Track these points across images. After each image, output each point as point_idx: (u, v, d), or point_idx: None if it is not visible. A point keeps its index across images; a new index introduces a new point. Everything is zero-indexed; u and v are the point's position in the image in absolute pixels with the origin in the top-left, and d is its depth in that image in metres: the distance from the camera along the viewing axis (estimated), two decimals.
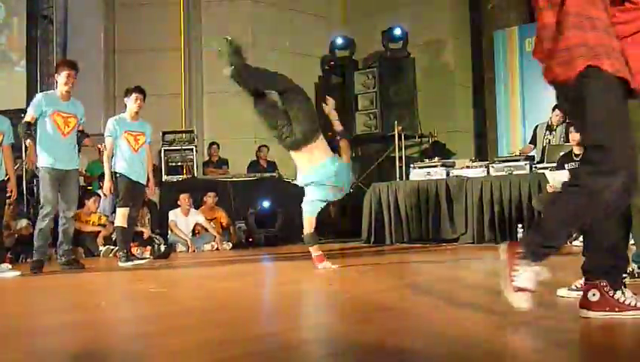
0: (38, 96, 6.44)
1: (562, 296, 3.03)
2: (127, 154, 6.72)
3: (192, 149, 10.94)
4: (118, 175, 6.69)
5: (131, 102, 6.85)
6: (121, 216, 6.68)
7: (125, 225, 6.64)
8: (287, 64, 12.40)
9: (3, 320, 3.38)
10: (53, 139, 6.25)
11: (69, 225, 6.41)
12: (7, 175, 6.22)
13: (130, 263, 6.45)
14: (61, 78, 6.35)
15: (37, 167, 6.29)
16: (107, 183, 6.74)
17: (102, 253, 8.49)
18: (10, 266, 6.11)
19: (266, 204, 9.99)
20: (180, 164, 10.92)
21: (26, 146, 6.65)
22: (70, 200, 6.36)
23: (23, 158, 10.57)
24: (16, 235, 7.98)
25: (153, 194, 6.39)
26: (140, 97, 6.87)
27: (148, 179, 6.96)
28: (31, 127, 6.25)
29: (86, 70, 11.40)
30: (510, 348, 2.25)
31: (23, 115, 10.57)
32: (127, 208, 6.67)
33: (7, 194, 6.31)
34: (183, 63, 11.91)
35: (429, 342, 2.39)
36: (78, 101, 6.60)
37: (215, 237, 9.27)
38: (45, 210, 6.17)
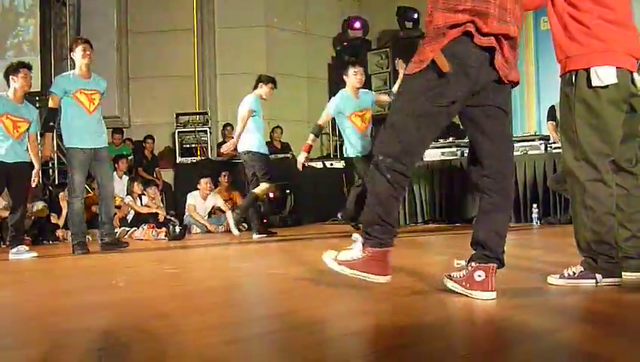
0: (57, 78, 6.44)
1: (554, 284, 2.97)
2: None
3: (205, 131, 10.98)
4: None
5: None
6: None
7: None
8: (301, 44, 12.38)
9: (23, 301, 3.42)
10: (79, 119, 6.20)
11: (108, 205, 6.44)
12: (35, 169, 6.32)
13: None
14: (78, 53, 6.30)
15: (51, 158, 6.30)
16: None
17: (117, 234, 8.55)
18: (27, 248, 6.19)
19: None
20: (194, 145, 10.97)
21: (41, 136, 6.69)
22: (106, 179, 6.37)
23: (38, 141, 10.69)
24: (33, 218, 8.04)
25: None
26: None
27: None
28: (56, 116, 6.28)
29: (99, 52, 11.41)
30: (525, 326, 2.25)
31: (37, 99, 10.75)
32: None
33: (33, 183, 6.41)
34: (196, 44, 11.89)
35: (441, 320, 2.40)
36: (99, 76, 6.55)
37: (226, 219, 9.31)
38: (74, 192, 6.21)
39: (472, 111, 2.69)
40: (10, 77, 6.16)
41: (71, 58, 6.46)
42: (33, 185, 6.49)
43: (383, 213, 2.64)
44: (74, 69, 6.42)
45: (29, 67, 6.26)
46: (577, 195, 2.91)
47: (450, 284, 2.70)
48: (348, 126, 6.97)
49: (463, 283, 2.64)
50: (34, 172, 6.35)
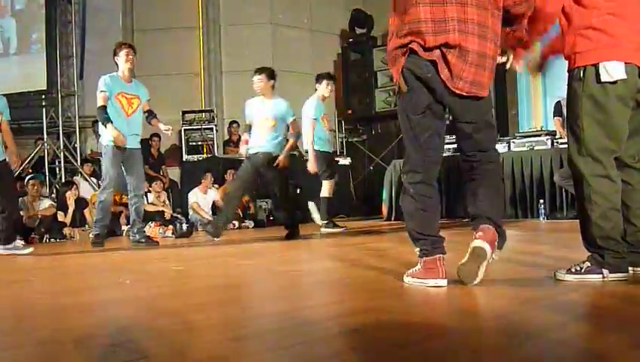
0: (103, 78, 6.50)
1: (561, 280, 2.96)
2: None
3: (212, 128, 10.98)
4: None
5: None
6: None
7: None
8: (306, 41, 12.38)
9: (32, 299, 3.44)
10: (117, 120, 6.38)
11: (139, 203, 6.65)
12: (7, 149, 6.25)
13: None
14: (121, 57, 6.49)
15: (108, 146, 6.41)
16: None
17: (124, 232, 8.58)
18: (23, 243, 6.19)
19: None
20: (200, 143, 10.97)
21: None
22: (138, 179, 6.64)
23: (44, 140, 10.75)
24: (39, 216, 8.07)
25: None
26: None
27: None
28: (106, 111, 6.38)
29: (105, 50, 11.44)
30: (533, 321, 2.24)
31: (43, 97, 10.78)
32: None
33: (14, 168, 6.41)
34: (202, 42, 11.90)
35: (451, 316, 2.40)
36: (140, 82, 6.76)
37: None
38: (105, 182, 6.45)
39: (452, 121, 3.09)
40: None
41: (114, 61, 6.60)
42: (14, 166, 6.45)
43: (417, 227, 2.95)
44: (117, 71, 6.58)
45: None
46: (582, 191, 2.91)
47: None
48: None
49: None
50: (11, 155, 6.25)
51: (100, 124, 6.59)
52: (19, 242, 6.12)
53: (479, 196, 2.98)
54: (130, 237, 6.75)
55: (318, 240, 6.71)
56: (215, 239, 6.67)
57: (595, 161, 2.86)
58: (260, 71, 6.81)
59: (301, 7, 12.39)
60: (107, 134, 6.38)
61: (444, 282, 2.87)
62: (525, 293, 2.70)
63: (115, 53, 6.56)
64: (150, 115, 6.76)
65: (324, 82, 7.89)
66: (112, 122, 6.30)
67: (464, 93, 2.85)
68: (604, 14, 2.85)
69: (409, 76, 2.90)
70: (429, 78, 2.86)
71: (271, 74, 6.76)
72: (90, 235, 6.34)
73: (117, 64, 6.56)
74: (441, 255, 2.92)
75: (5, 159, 6.20)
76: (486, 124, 3.01)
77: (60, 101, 11.13)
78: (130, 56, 6.50)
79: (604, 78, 2.82)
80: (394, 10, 3.03)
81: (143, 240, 6.63)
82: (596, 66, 2.85)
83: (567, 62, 3.03)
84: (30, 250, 6.08)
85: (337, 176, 7.95)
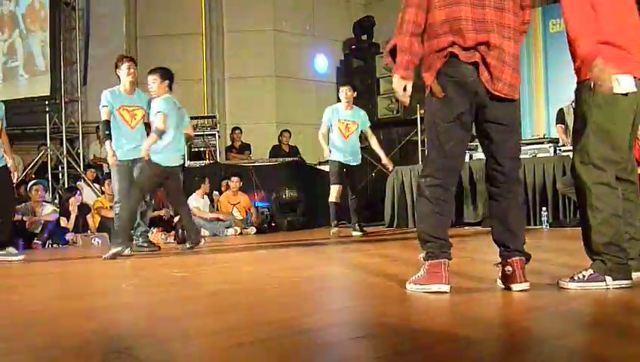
0: (104, 93, 6.50)
1: (565, 288, 2.94)
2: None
3: (214, 134, 10.99)
4: None
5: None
6: None
7: None
8: (309, 48, 12.40)
9: (35, 305, 3.43)
10: (121, 133, 6.41)
11: (146, 209, 6.67)
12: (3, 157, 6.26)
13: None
14: (123, 71, 6.48)
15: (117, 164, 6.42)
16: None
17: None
18: (16, 250, 6.19)
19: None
20: (202, 149, 10.98)
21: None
22: None
23: (48, 146, 10.77)
24: (42, 221, 8.08)
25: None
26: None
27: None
28: (109, 126, 6.41)
29: (108, 57, 11.46)
30: (536, 329, 2.24)
31: (47, 103, 10.80)
32: None
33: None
34: (205, 48, 11.93)
35: (455, 323, 2.39)
36: (143, 93, 6.72)
37: (233, 222, 9.35)
38: (117, 197, 6.40)
39: (479, 126, 2.97)
40: None
41: (116, 74, 6.60)
42: (14, 179, 6.48)
43: (429, 229, 2.91)
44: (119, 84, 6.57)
45: None
46: (584, 198, 2.93)
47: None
48: None
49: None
50: (10, 166, 6.29)
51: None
52: (12, 249, 6.10)
53: (510, 225, 2.94)
54: (134, 242, 6.67)
55: (320, 246, 6.69)
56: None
57: (598, 168, 2.88)
58: (152, 71, 6.54)
59: (304, 14, 12.42)
60: (114, 147, 6.39)
61: (446, 288, 2.85)
62: (529, 301, 2.70)
63: (117, 66, 6.55)
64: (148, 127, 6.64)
65: (343, 88, 8.20)
66: (111, 139, 6.34)
67: (502, 95, 2.83)
68: (617, 28, 2.87)
69: (447, 82, 2.86)
70: (469, 83, 2.82)
71: (165, 73, 6.49)
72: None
73: (119, 77, 6.55)
74: (447, 260, 2.90)
75: (5, 165, 6.22)
76: (517, 129, 3.00)
77: (64, 107, 11.15)
78: (132, 70, 6.49)
79: (616, 89, 2.83)
80: (416, 7, 2.86)
81: (145, 245, 6.62)
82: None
83: (575, 72, 3.02)
84: (21, 257, 6.08)
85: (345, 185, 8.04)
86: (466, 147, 3.06)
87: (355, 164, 8.03)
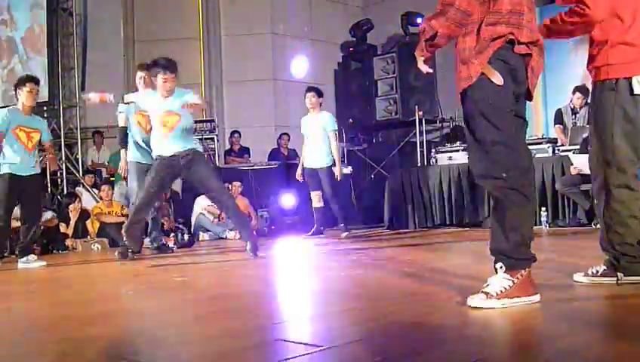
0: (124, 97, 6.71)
1: (578, 281, 3.06)
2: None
3: (213, 138, 10.99)
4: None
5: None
6: None
7: None
8: (307, 50, 12.40)
9: (35, 311, 3.43)
10: (137, 137, 6.73)
11: (157, 214, 6.94)
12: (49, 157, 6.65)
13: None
14: (159, 80, 6.55)
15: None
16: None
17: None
18: (35, 257, 6.26)
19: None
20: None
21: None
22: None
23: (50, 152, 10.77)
24: (42, 227, 8.07)
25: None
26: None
27: None
28: (125, 133, 6.78)
29: (106, 62, 11.48)
30: (541, 330, 2.24)
31: (45, 108, 10.80)
32: None
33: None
34: (203, 52, 11.93)
35: (460, 324, 2.39)
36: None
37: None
38: (132, 199, 6.66)
39: None
40: (18, 90, 6.38)
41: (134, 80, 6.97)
42: (52, 167, 6.95)
43: (528, 231, 2.65)
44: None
45: (35, 81, 6.47)
46: (604, 198, 3.01)
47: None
48: None
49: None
50: (51, 163, 6.74)
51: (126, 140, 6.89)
52: (32, 256, 6.22)
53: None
54: (148, 246, 7.02)
55: (321, 248, 6.69)
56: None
57: (620, 171, 2.97)
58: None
59: (301, 17, 12.42)
60: (130, 152, 6.77)
61: (539, 296, 2.62)
62: (530, 302, 2.69)
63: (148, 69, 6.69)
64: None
65: (306, 94, 8.22)
66: (126, 148, 6.76)
67: (532, 92, 2.78)
68: (638, 30, 2.93)
69: (502, 67, 2.64)
70: (517, 71, 2.68)
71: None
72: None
73: (137, 83, 6.87)
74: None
75: (36, 173, 6.42)
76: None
77: (62, 112, 11.16)
78: (148, 80, 6.68)
79: (637, 90, 2.91)
80: None
81: (158, 250, 6.94)
82: (629, 80, 2.93)
83: (592, 72, 3.08)
84: (43, 263, 6.15)
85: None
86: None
87: (320, 166, 7.97)
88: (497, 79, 2.61)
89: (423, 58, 2.86)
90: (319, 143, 8.02)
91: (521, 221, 2.62)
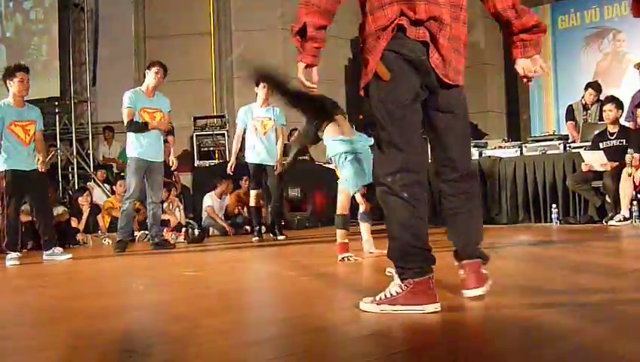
0: (127, 93, 6.81)
1: None
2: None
3: (223, 134, 11.00)
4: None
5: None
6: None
7: None
8: None
9: (46, 304, 3.46)
10: (140, 134, 6.71)
11: (157, 210, 6.93)
12: (39, 159, 6.25)
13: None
14: (150, 74, 6.84)
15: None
16: None
17: (137, 237, 8.60)
18: (61, 249, 6.31)
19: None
20: (211, 148, 11.00)
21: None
22: (156, 188, 6.88)
23: (58, 146, 10.83)
24: (54, 222, 8.11)
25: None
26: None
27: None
28: (133, 123, 6.74)
29: (117, 57, 11.51)
30: (547, 327, 2.23)
31: (56, 103, 10.87)
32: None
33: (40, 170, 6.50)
34: (213, 48, 11.94)
35: (461, 322, 2.39)
36: (164, 96, 7.03)
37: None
38: (128, 193, 6.76)
39: (426, 114, 2.58)
40: (8, 81, 6.15)
41: (143, 76, 7.02)
42: (41, 168, 6.37)
43: (412, 239, 2.44)
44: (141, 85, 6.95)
45: (25, 70, 6.26)
46: None
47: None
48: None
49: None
50: (40, 160, 6.26)
51: (128, 135, 6.88)
52: (57, 249, 6.25)
53: (462, 226, 2.64)
54: (150, 241, 6.98)
55: (327, 245, 6.69)
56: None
57: None
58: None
59: None
60: (132, 147, 6.73)
61: (437, 307, 2.41)
62: (539, 298, 2.69)
63: (148, 68, 6.94)
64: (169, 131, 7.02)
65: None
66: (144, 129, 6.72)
67: (450, 82, 2.49)
68: None
69: (394, 59, 2.45)
70: (420, 60, 2.44)
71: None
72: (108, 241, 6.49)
73: (145, 76, 6.91)
74: (432, 274, 2.46)
75: (38, 169, 6.25)
76: (465, 116, 2.66)
77: (73, 108, 11.21)
78: (159, 75, 6.82)
79: None
80: None
81: (163, 243, 6.90)
82: None
83: None
84: (69, 256, 6.20)
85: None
86: (421, 135, 2.57)
87: (273, 163, 7.59)
88: (385, 76, 2.46)
89: (303, 64, 2.63)
90: (272, 137, 7.64)
91: (403, 229, 2.45)
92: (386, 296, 2.47)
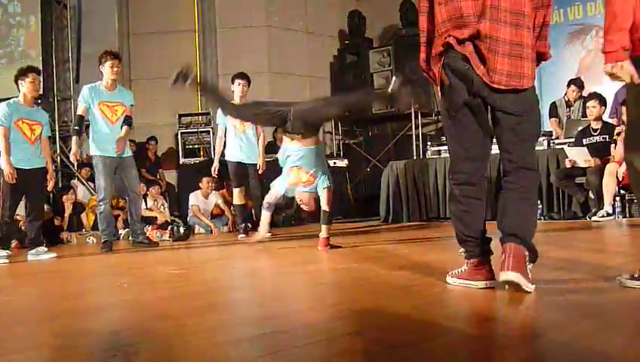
0: (84, 88, 6.70)
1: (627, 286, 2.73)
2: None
3: (208, 131, 10.96)
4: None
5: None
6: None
7: None
8: (302, 44, 12.37)
9: (33, 304, 3.43)
10: (102, 129, 6.57)
11: (137, 207, 6.84)
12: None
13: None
14: (106, 68, 6.62)
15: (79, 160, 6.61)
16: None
17: (122, 235, 8.57)
18: (45, 249, 6.29)
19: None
20: (196, 146, 10.96)
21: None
22: (131, 184, 6.75)
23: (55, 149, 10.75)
24: None
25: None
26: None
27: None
28: (82, 121, 6.61)
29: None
30: (533, 323, 2.25)
31: (40, 101, 10.77)
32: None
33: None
34: (198, 45, 11.89)
35: (452, 317, 2.40)
36: (126, 89, 6.94)
37: (228, 219, 9.34)
38: (100, 195, 6.56)
39: (491, 114, 2.88)
40: (19, 81, 6.33)
41: (99, 70, 6.75)
42: (49, 187, 6.65)
43: (464, 229, 2.93)
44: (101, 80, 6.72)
45: (37, 71, 6.46)
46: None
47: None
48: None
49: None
50: (48, 175, 6.51)
51: (89, 130, 6.72)
52: (41, 248, 6.23)
53: (510, 211, 2.84)
54: (131, 238, 6.92)
55: (316, 241, 6.69)
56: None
57: None
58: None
59: (297, 9, 12.38)
60: (94, 146, 6.57)
61: (489, 283, 2.84)
62: (527, 295, 2.70)
63: (101, 62, 6.66)
64: (124, 121, 6.72)
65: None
66: (79, 136, 6.57)
67: (502, 87, 2.75)
68: None
69: (447, 71, 2.87)
70: (465, 71, 2.80)
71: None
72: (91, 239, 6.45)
73: (102, 72, 6.67)
74: (486, 256, 2.91)
75: (41, 166, 6.38)
76: (528, 117, 2.87)
77: (57, 105, 11.13)
78: (115, 68, 6.63)
79: None
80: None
81: (146, 241, 6.86)
82: None
83: None
84: (53, 255, 6.16)
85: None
86: (487, 138, 2.93)
87: (251, 162, 7.48)
88: (445, 81, 2.88)
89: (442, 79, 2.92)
90: (250, 134, 7.57)
91: (456, 220, 2.99)
92: (457, 271, 2.98)
